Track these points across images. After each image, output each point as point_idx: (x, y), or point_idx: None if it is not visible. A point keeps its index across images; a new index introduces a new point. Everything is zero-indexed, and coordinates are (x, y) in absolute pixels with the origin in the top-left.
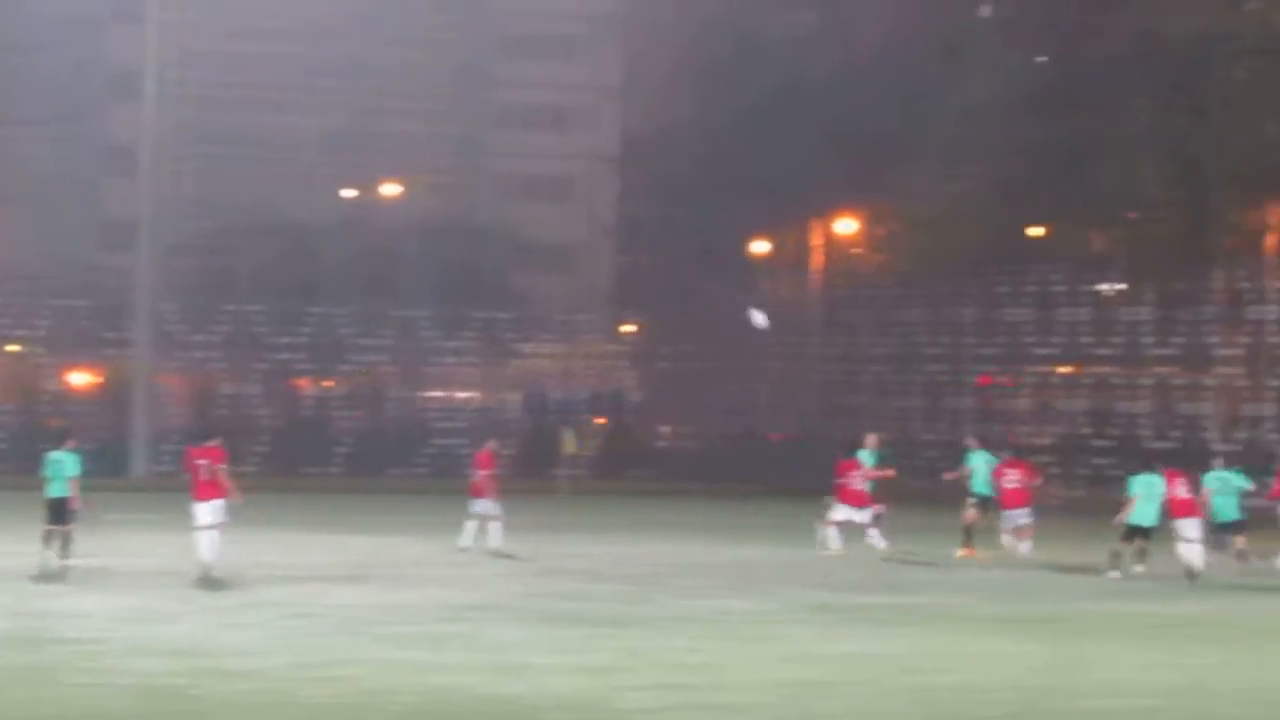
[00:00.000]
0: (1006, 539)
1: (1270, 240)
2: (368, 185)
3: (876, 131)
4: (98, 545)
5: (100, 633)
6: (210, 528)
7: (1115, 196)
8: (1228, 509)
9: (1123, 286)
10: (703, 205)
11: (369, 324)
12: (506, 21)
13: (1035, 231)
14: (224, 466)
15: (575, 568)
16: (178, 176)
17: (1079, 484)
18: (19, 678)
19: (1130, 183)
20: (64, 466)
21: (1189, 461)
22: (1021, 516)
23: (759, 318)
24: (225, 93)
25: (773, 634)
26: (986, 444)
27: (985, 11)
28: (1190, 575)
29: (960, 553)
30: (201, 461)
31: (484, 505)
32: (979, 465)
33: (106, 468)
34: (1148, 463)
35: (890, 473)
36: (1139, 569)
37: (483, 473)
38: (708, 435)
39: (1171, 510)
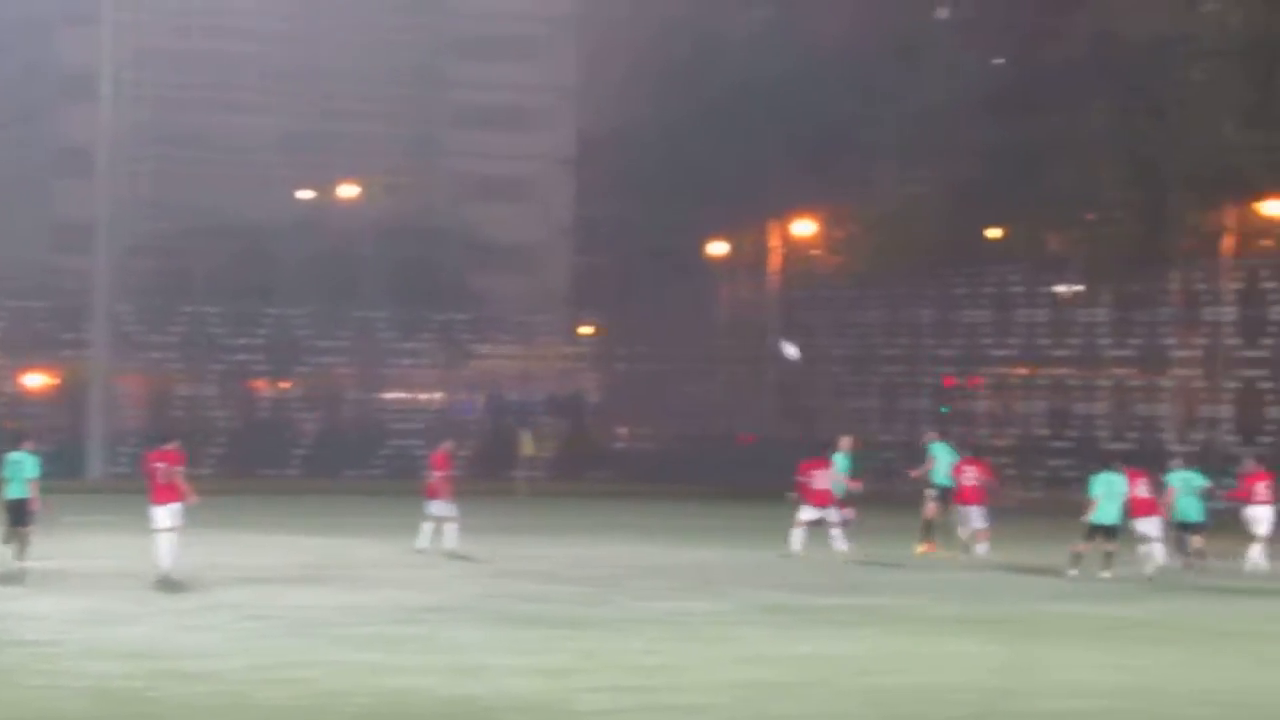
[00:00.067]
0: (963, 532)
1: (1227, 242)
2: (324, 186)
3: (834, 131)
4: (55, 547)
5: (57, 635)
6: (168, 531)
7: (1073, 198)
8: (1191, 509)
9: (1080, 288)
10: (660, 206)
11: (326, 325)
12: (463, 22)
13: (993, 233)
14: (181, 469)
15: (533, 569)
16: (134, 177)
17: (1037, 485)
18: None
19: (1088, 184)
20: (23, 468)
21: (1147, 462)
22: (977, 516)
23: (790, 350)
24: (181, 94)
25: (730, 635)
26: (946, 437)
27: (943, 13)
28: (1149, 576)
29: (920, 549)
30: (159, 465)
31: (440, 506)
32: (940, 455)
33: (63, 469)
34: (1107, 462)
35: (858, 484)
36: (1106, 575)
37: (438, 474)
38: (666, 437)
39: (1132, 509)
